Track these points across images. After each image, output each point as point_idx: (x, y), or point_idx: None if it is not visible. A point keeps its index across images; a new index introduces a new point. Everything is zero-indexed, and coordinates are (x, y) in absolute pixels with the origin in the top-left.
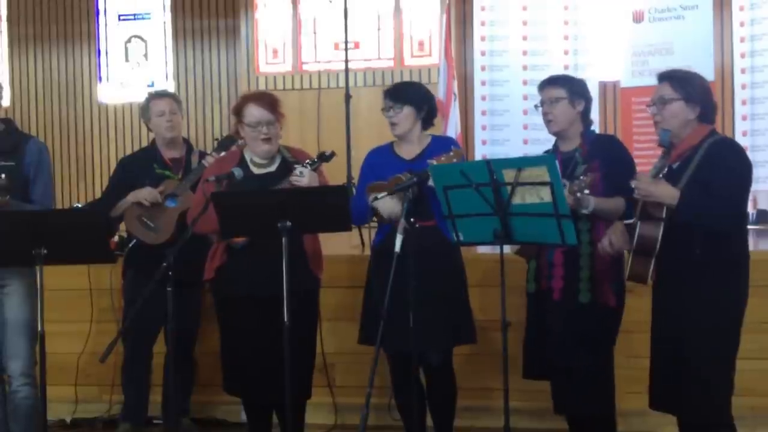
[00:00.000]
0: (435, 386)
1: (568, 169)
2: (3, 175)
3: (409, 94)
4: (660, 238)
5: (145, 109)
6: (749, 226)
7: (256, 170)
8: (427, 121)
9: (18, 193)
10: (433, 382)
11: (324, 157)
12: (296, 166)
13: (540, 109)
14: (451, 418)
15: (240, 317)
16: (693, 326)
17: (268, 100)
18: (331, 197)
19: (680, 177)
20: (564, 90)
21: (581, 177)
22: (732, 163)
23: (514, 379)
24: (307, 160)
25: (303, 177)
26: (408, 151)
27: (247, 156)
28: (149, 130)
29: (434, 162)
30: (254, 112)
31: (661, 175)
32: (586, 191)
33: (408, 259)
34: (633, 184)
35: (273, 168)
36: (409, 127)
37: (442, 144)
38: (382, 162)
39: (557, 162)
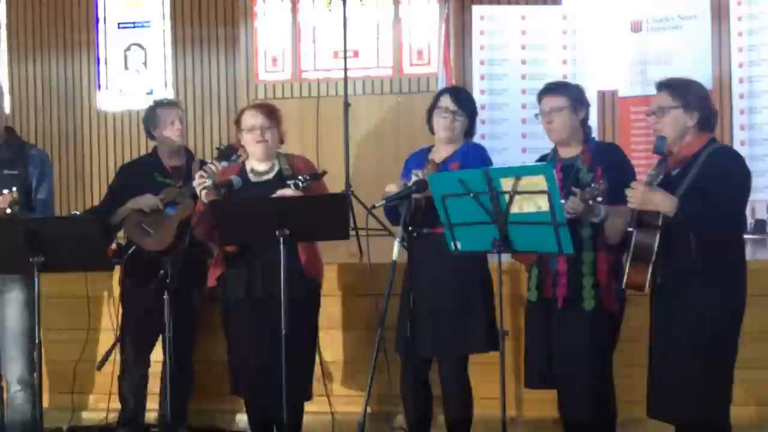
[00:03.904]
0: (446, 395)
1: (569, 176)
2: (15, 189)
3: (470, 105)
4: (656, 245)
5: (151, 117)
6: (746, 236)
7: (254, 178)
8: (471, 130)
9: (21, 201)
10: (443, 390)
11: (316, 177)
12: (288, 182)
13: (539, 118)
14: (464, 428)
15: (238, 319)
16: (690, 333)
17: (265, 108)
18: (329, 205)
19: (680, 184)
20: (566, 98)
21: (593, 185)
22: (731, 171)
23: (513, 388)
24: (299, 177)
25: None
26: (438, 156)
27: (248, 166)
28: (150, 137)
29: (418, 173)
30: (249, 118)
31: (656, 183)
32: (599, 199)
33: (415, 266)
34: (628, 192)
35: (270, 176)
36: (459, 135)
37: (471, 149)
38: (416, 165)
39: (558, 169)
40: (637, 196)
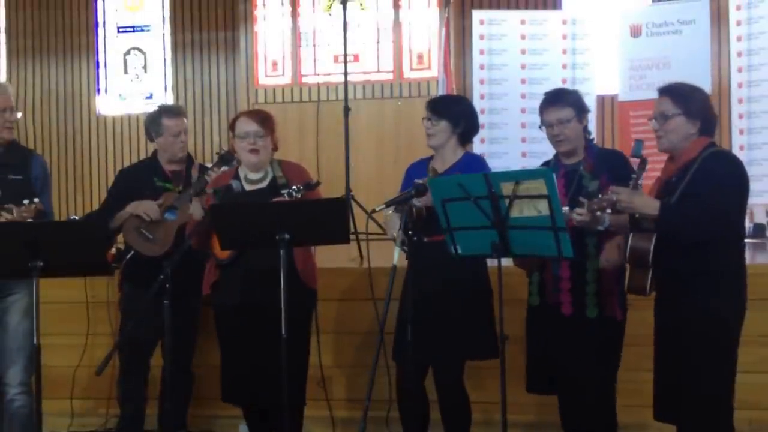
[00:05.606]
0: (443, 401)
1: (572, 183)
2: (36, 200)
3: (448, 109)
4: (652, 249)
5: (155, 124)
6: (745, 240)
7: (248, 186)
8: (465, 137)
9: None
10: (440, 396)
11: (310, 187)
12: (282, 192)
13: (544, 129)
14: None
15: (232, 326)
16: (690, 338)
17: (259, 115)
18: (329, 210)
19: (676, 189)
20: (572, 109)
21: (600, 195)
22: (722, 174)
23: (512, 392)
24: (294, 187)
25: None
26: (439, 165)
27: (242, 173)
28: (150, 140)
29: (419, 182)
30: (243, 125)
31: (640, 184)
32: (608, 210)
33: (414, 272)
34: (614, 196)
35: (264, 184)
36: (443, 142)
37: (471, 161)
38: (416, 174)
39: (561, 175)
40: (622, 198)
